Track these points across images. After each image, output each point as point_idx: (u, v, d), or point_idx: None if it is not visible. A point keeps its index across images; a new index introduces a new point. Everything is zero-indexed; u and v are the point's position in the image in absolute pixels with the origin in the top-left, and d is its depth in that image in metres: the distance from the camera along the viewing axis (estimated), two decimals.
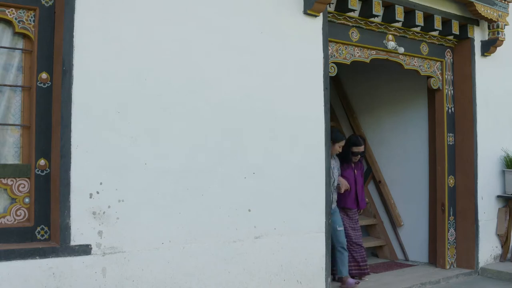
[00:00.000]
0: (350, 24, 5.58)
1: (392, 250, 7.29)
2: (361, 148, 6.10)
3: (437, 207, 6.60)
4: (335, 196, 5.79)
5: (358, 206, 6.11)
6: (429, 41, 6.37)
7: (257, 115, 4.67)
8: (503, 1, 6.55)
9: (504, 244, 6.90)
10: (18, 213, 3.76)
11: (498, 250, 6.89)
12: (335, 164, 5.84)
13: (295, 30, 4.96)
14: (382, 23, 5.80)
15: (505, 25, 6.64)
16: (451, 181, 6.58)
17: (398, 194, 7.30)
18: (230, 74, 4.52)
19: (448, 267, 6.52)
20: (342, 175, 5.97)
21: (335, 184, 5.78)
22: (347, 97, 8.18)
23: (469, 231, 6.52)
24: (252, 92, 4.65)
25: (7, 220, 3.72)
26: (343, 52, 5.55)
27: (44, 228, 3.80)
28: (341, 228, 5.77)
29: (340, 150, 5.82)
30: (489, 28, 6.70)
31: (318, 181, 5.04)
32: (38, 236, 3.77)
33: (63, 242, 3.65)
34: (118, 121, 3.93)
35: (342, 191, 5.84)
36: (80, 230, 3.72)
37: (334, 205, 5.74)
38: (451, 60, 6.67)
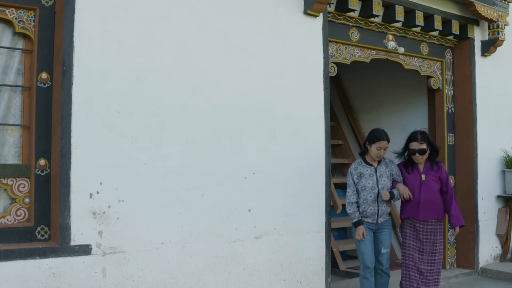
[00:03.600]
0: (350, 24, 5.57)
1: (392, 250, 7.28)
2: (416, 145, 4.89)
3: None
4: (384, 209, 4.80)
5: (420, 217, 4.88)
6: (429, 41, 6.36)
7: (257, 115, 4.67)
8: (503, 1, 6.55)
9: (504, 244, 6.89)
10: (18, 213, 3.76)
11: (498, 250, 6.89)
12: (384, 170, 4.84)
13: (295, 30, 4.96)
14: (382, 23, 5.79)
15: (505, 25, 6.64)
16: (451, 181, 6.57)
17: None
18: (230, 74, 4.52)
19: (448, 267, 6.51)
20: (404, 181, 4.93)
21: (379, 194, 4.77)
22: (347, 96, 8.18)
23: (469, 231, 6.51)
24: (252, 92, 4.65)
25: (7, 220, 3.72)
26: (343, 52, 5.55)
27: (44, 228, 3.79)
28: (386, 251, 4.87)
29: (381, 153, 4.77)
30: (489, 28, 6.70)
31: (318, 181, 5.03)
32: (38, 236, 3.77)
33: (63, 242, 3.65)
34: (118, 121, 3.93)
35: (385, 198, 4.76)
36: (80, 230, 3.72)
37: (382, 219, 4.79)
38: (451, 60, 6.67)
